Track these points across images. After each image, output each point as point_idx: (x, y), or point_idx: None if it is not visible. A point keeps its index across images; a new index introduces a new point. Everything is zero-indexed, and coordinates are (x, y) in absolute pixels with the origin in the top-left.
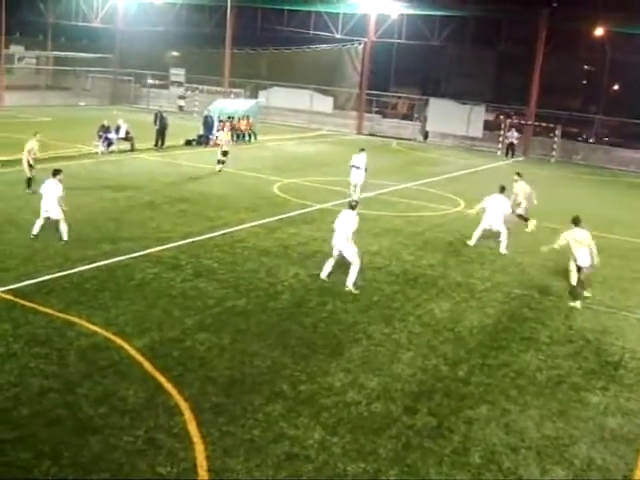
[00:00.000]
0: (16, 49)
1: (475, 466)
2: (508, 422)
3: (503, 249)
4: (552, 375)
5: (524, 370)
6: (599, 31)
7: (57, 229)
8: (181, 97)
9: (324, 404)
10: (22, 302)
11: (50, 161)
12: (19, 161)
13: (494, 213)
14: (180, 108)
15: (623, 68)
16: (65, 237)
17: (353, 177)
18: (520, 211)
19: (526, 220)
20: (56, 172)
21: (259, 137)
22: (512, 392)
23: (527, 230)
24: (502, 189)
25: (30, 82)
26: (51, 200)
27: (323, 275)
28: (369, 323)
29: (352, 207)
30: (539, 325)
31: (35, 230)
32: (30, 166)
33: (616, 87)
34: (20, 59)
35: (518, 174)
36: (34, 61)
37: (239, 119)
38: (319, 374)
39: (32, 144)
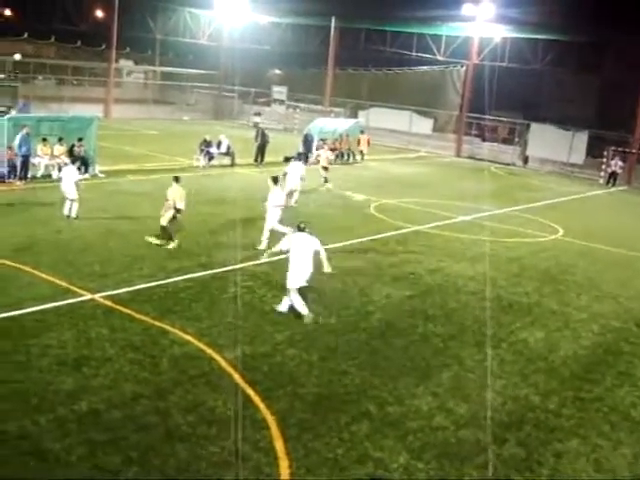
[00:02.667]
0: (125, 64)
1: None
2: (599, 458)
3: None
4: None
5: (618, 405)
6: None
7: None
8: (257, 114)
9: (410, 427)
10: (120, 308)
11: (152, 173)
12: (119, 172)
13: None
14: (255, 125)
15: None
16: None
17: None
18: None
19: None
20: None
21: (357, 157)
22: (604, 427)
23: None
24: None
25: (138, 96)
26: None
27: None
28: (460, 348)
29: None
30: (636, 359)
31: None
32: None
33: None
34: (129, 73)
35: None
36: (142, 75)
37: (341, 138)
38: (407, 396)
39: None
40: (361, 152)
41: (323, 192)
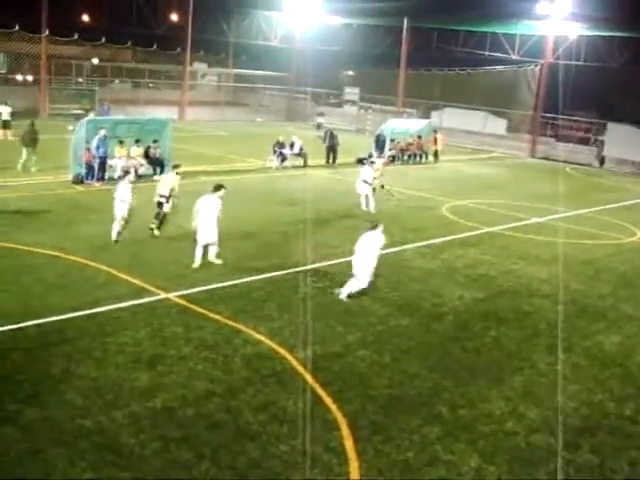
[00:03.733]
0: (200, 66)
1: None
2: None
3: None
4: None
5: None
6: None
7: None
8: (320, 114)
9: (482, 431)
10: (194, 307)
11: (225, 174)
12: (194, 173)
13: None
14: (318, 126)
15: None
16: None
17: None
18: None
19: None
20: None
21: (430, 157)
22: None
23: None
24: None
25: (211, 98)
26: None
27: None
28: (533, 352)
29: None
30: None
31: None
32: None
33: None
34: (203, 76)
35: None
36: (215, 78)
37: (413, 139)
38: (479, 400)
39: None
40: (435, 152)
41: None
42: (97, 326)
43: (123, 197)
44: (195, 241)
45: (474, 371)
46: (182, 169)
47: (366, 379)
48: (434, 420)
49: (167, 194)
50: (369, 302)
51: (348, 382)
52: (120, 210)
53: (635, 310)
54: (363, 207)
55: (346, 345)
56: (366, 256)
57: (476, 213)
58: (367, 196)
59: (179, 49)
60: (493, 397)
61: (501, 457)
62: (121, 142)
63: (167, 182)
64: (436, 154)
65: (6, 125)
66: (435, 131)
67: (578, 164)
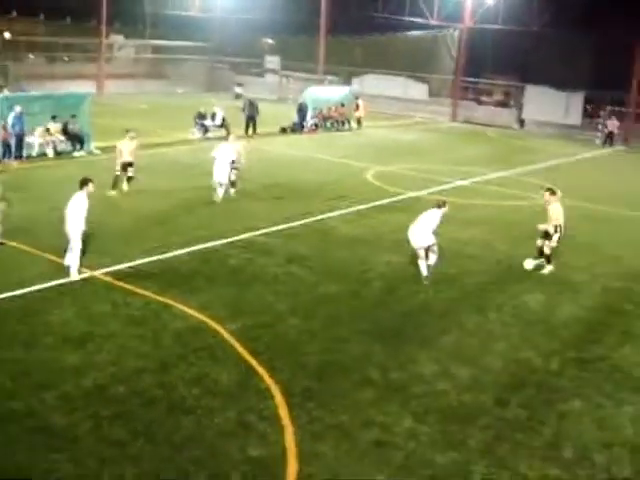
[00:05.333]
0: (116, 38)
1: (566, 461)
2: (602, 417)
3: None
4: None
5: (620, 365)
6: None
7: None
8: (238, 85)
9: (414, 392)
10: (121, 284)
11: (148, 148)
12: (115, 148)
13: None
14: (237, 96)
15: None
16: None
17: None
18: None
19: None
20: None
21: (352, 124)
22: (607, 387)
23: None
24: None
25: (129, 70)
26: None
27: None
28: (461, 313)
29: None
30: (638, 319)
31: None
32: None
33: None
34: (120, 48)
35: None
36: (133, 50)
37: (334, 107)
38: (409, 362)
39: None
40: (359, 119)
41: (314, 160)
42: (22, 307)
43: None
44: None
45: (403, 334)
46: (101, 143)
47: (297, 347)
48: (366, 384)
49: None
50: (297, 270)
51: (280, 351)
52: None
53: (559, 268)
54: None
55: (276, 314)
56: (422, 231)
57: (400, 178)
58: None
59: (94, 21)
60: (423, 359)
61: (433, 416)
62: (54, 117)
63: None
64: (359, 121)
65: None
66: (357, 98)
67: (499, 127)
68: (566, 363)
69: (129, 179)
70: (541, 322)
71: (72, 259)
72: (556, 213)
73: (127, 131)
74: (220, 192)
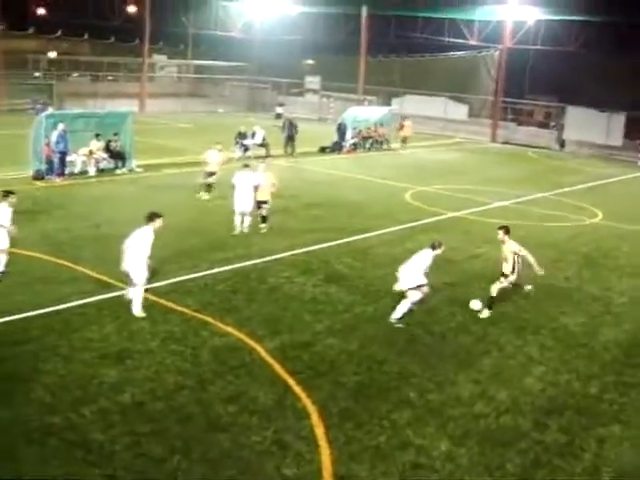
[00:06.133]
0: (159, 58)
1: None
2: None
3: None
4: None
5: None
6: None
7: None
8: (280, 105)
9: (451, 414)
10: (160, 301)
11: (188, 166)
12: (156, 166)
13: None
14: (277, 116)
15: None
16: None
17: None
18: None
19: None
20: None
21: (394, 144)
22: None
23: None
24: None
25: (171, 90)
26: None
27: None
28: (500, 335)
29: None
30: None
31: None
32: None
33: None
34: (162, 68)
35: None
36: (175, 69)
37: (374, 126)
38: (447, 384)
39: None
40: (404, 138)
41: (354, 180)
42: (63, 323)
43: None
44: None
45: (441, 355)
46: (142, 161)
47: (335, 367)
48: (404, 405)
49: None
50: (335, 289)
51: (317, 370)
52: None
53: (599, 290)
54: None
55: (314, 333)
56: (412, 272)
57: (439, 198)
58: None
59: (137, 41)
60: (461, 380)
61: (471, 439)
62: (97, 135)
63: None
64: (404, 140)
65: None
66: (405, 118)
67: (539, 147)
68: (606, 387)
69: (208, 187)
70: (580, 345)
71: (135, 294)
72: (512, 251)
73: (217, 143)
74: (238, 222)
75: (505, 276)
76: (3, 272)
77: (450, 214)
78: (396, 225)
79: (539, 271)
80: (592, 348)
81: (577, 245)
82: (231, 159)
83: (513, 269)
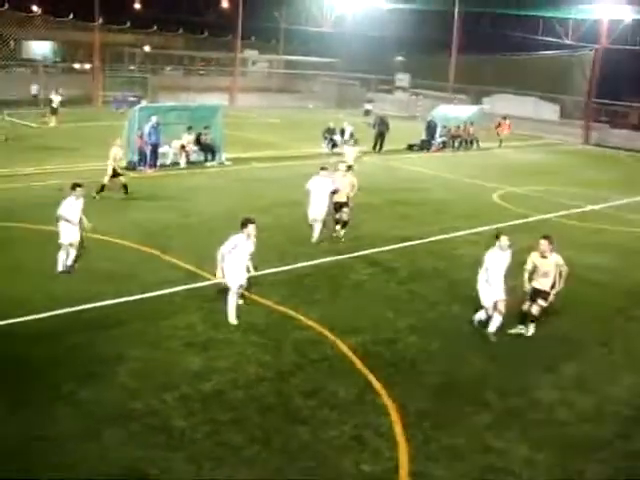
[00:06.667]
0: (250, 53)
1: None
2: None
3: None
4: None
5: None
6: None
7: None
8: (369, 101)
9: (533, 419)
10: (244, 292)
11: (277, 160)
12: (246, 159)
13: None
14: (366, 112)
15: None
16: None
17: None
18: None
19: None
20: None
21: (481, 144)
22: None
23: None
24: None
25: (262, 84)
26: None
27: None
28: (585, 340)
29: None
30: None
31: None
32: (116, 174)
33: None
34: (254, 63)
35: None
36: (266, 64)
37: (464, 125)
38: (529, 388)
39: (116, 151)
40: (501, 138)
41: (442, 179)
42: (151, 310)
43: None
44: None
45: (524, 358)
46: (232, 154)
47: (416, 365)
48: (484, 407)
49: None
50: (418, 288)
51: (398, 368)
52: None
53: None
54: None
55: (396, 331)
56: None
57: (528, 200)
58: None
59: (230, 36)
60: (544, 385)
61: (552, 445)
62: (189, 128)
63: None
64: (501, 140)
65: (54, 112)
66: (504, 117)
67: (634, 151)
68: None
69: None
70: None
71: (229, 300)
72: (557, 265)
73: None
74: (317, 231)
75: (545, 294)
76: (71, 265)
77: (538, 216)
78: (482, 226)
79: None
80: None
81: None
82: (320, 154)
83: (553, 285)
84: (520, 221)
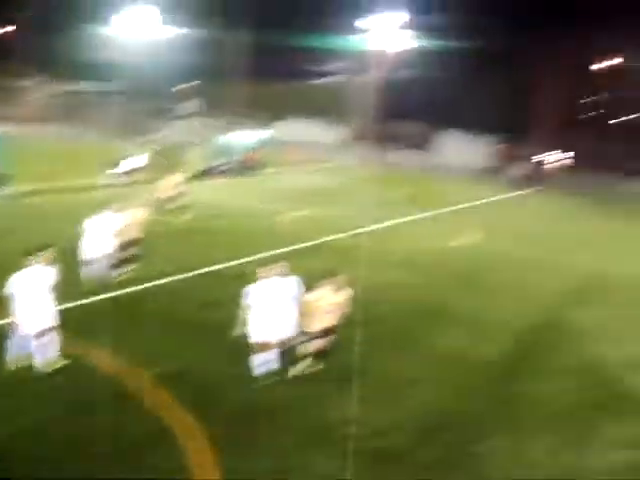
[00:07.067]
0: (28, 81)
1: None
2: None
3: None
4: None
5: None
6: None
7: None
8: (157, 129)
9: None
10: None
11: (68, 192)
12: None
13: None
14: (156, 140)
15: None
16: None
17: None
18: None
19: None
20: None
21: (269, 169)
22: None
23: None
24: None
25: (41, 113)
26: None
27: None
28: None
29: None
30: None
31: None
32: None
33: None
34: (32, 91)
35: None
36: (45, 93)
37: (250, 151)
38: None
39: None
40: (284, 163)
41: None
42: None
43: None
44: None
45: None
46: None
47: None
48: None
49: None
50: None
51: None
52: None
53: None
54: None
55: None
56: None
57: (312, 223)
58: None
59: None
60: None
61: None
62: None
63: None
64: (284, 165)
65: None
66: (285, 143)
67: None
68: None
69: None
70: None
71: None
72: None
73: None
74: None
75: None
76: None
77: (324, 238)
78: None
79: None
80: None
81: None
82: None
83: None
84: (300, 245)
